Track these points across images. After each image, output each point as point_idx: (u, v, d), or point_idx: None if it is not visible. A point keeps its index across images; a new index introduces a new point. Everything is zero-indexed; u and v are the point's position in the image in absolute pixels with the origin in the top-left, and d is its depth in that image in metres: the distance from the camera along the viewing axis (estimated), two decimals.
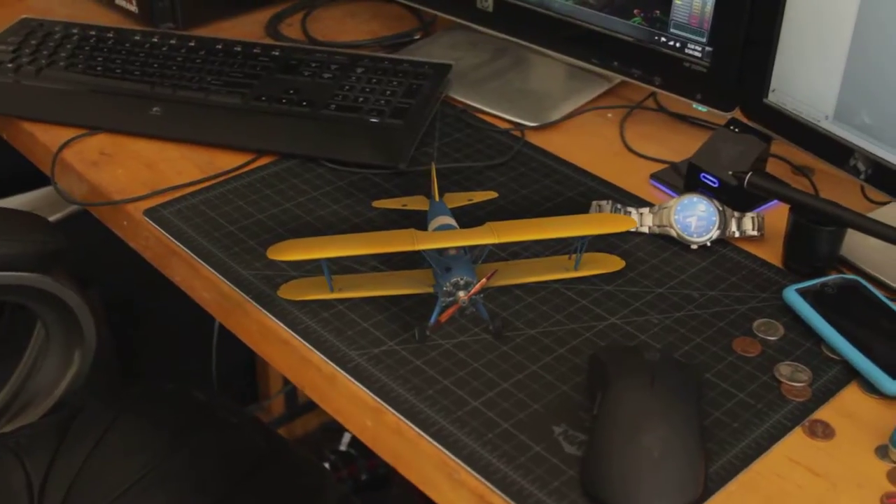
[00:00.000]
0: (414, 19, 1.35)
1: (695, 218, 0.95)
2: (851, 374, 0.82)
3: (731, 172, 0.97)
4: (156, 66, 1.17)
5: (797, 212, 0.92)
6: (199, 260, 0.92)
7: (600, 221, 0.84)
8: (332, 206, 0.99)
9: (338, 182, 1.03)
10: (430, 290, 0.84)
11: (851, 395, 0.80)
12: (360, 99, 1.12)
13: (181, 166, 1.05)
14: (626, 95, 1.20)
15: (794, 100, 0.97)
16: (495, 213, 0.98)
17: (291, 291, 0.86)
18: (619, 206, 0.97)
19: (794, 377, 0.81)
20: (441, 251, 0.82)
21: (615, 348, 0.81)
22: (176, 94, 1.13)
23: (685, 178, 1.03)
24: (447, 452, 0.74)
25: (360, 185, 1.03)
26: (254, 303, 0.87)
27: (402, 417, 0.77)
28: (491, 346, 0.83)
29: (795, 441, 0.76)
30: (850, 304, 0.87)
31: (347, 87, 1.13)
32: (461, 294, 0.79)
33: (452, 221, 0.88)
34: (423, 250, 0.81)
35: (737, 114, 1.03)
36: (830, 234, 0.91)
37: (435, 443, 0.75)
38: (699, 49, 1.02)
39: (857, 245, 0.93)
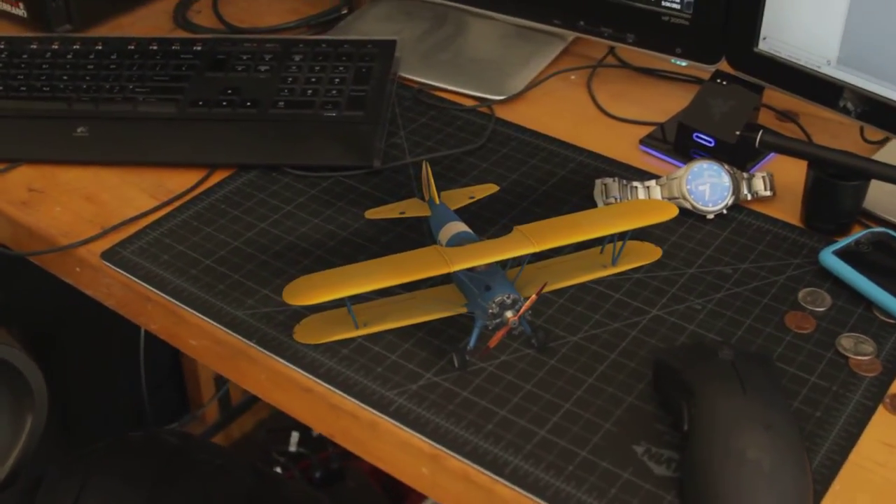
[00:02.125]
0: None
1: (708, 186, 0.89)
2: None
3: (738, 133, 0.91)
4: (65, 78, 1.03)
5: (817, 167, 0.87)
6: (180, 305, 0.81)
7: (639, 211, 0.77)
8: (312, 219, 0.89)
9: (309, 190, 0.93)
10: (464, 310, 0.76)
11: None
12: (309, 91, 1.01)
13: (127, 194, 0.93)
14: (583, 53, 1.12)
15: (789, 46, 0.91)
16: (493, 206, 0.89)
17: (309, 334, 0.76)
18: (624, 181, 0.90)
19: (858, 350, 0.77)
20: (473, 267, 0.74)
21: (680, 349, 0.75)
22: (99, 108, 1.00)
23: (676, 140, 0.97)
24: (530, 496, 0.67)
25: (333, 190, 0.93)
26: (259, 348, 0.77)
27: (467, 461, 0.69)
28: (537, 361, 0.76)
29: (882, 421, 0.72)
30: (890, 260, 0.83)
31: (290, 80, 1.02)
32: (509, 314, 0.71)
33: (467, 228, 0.80)
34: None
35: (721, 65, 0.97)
36: (854, 188, 0.86)
37: (513, 486, 0.68)
38: (678, 1, 0.95)
39: (876, 195, 0.88)
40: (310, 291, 0.71)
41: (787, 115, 1.02)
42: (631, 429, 0.71)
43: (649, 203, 0.79)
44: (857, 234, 0.85)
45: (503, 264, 0.76)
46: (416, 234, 0.87)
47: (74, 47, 1.08)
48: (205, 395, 1.70)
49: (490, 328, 0.73)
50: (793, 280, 0.83)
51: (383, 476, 1.63)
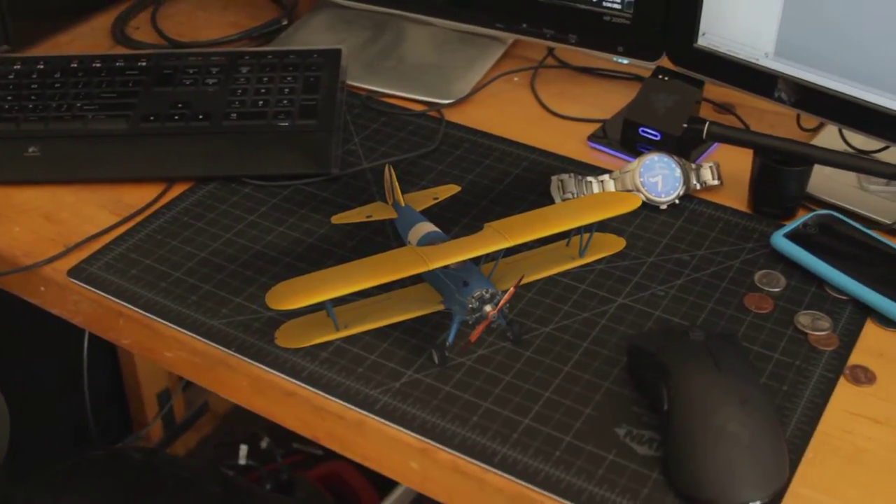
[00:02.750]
0: (270, 5, 1.24)
1: (660, 177, 0.92)
2: (864, 311, 0.82)
3: (685, 125, 0.95)
4: (10, 98, 1.03)
5: (763, 155, 0.91)
6: (154, 318, 0.81)
7: (605, 204, 0.80)
8: (277, 227, 0.90)
9: (270, 200, 0.93)
10: (440, 307, 0.78)
11: (873, 334, 0.81)
12: (260, 102, 1.02)
13: (86, 211, 0.92)
14: (522, 55, 1.15)
15: (728, 41, 0.95)
16: (454, 206, 0.91)
17: (291, 338, 0.77)
18: (579, 177, 0.93)
19: (816, 326, 0.80)
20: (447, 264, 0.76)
21: (651, 333, 0.78)
22: (48, 127, 0.99)
23: (622, 135, 1.00)
24: (521, 482, 0.69)
25: (294, 198, 0.94)
26: (239, 356, 0.78)
27: (457, 453, 0.71)
28: (513, 353, 0.78)
29: (844, 392, 0.76)
30: (836, 240, 0.87)
31: (240, 92, 1.03)
32: (488, 308, 0.73)
33: (435, 227, 0.81)
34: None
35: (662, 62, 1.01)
36: (798, 173, 0.90)
37: (504, 474, 0.70)
38: (618, 1, 0.98)
39: (817, 180, 0.93)
40: (293, 296, 0.72)
41: (725, 108, 1.06)
42: (611, 413, 0.74)
43: (612, 195, 0.82)
44: (804, 216, 0.89)
45: (476, 261, 0.78)
46: (382, 238, 0.89)
47: (16, 67, 1.07)
48: (148, 414, 1.68)
49: (470, 323, 0.74)
50: (747, 263, 0.87)
51: (333, 484, 1.65)
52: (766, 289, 0.84)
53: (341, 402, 0.75)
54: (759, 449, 0.68)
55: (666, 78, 1.00)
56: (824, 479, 0.70)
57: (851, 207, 0.92)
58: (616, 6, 0.99)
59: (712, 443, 0.68)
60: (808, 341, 0.79)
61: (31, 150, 0.97)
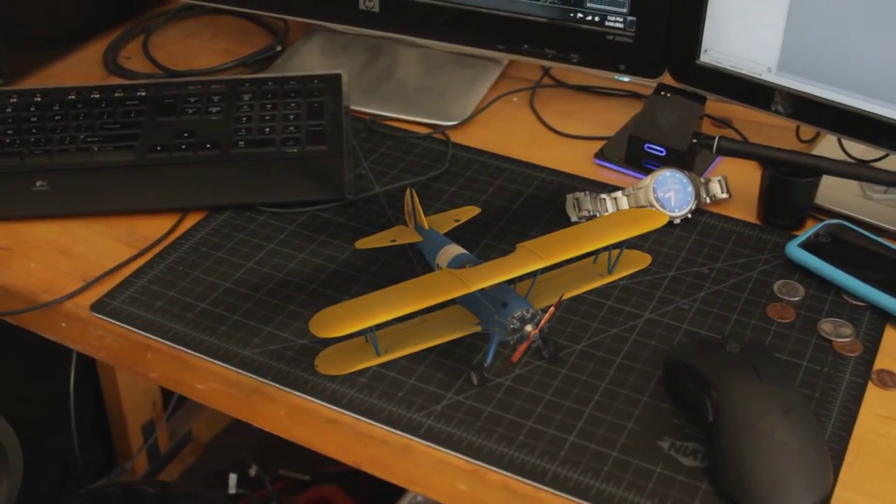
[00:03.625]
0: (260, 30, 1.24)
1: (673, 193, 0.94)
2: (883, 316, 0.84)
3: (694, 140, 0.97)
4: (10, 132, 1.01)
5: (772, 167, 0.93)
6: (185, 350, 0.81)
7: (633, 221, 0.81)
8: (298, 254, 0.90)
9: (287, 227, 0.93)
10: (477, 329, 0.78)
11: (894, 338, 0.83)
12: (267, 130, 1.02)
13: (101, 245, 0.92)
14: (518, 75, 1.17)
15: (730, 57, 0.97)
16: (472, 227, 0.92)
17: (332, 366, 0.77)
18: (594, 194, 0.94)
19: (839, 333, 0.82)
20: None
21: (686, 347, 0.79)
22: (53, 161, 0.98)
23: (628, 152, 1.02)
24: (575, 499, 0.70)
25: (311, 224, 0.94)
26: (277, 385, 0.78)
27: (507, 473, 0.72)
28: (549, 372, 0.79)
29: (874, 396, 0.78)
30: (849, 248, 0.89)
31: (245, 119, 1.03)
32: (529, 328, 0.74)
33: (463, 250, 0.82)
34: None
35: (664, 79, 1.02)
36: (808, 184, 0.92)
37: (557, 492, 0.70)
38: (620, 20, 1.00)
39: (823, 190, 0.95)
40: (337, 323, 0.72)
41: (723, 122, 1.08)
42: (652, 426, 0.75)
43: (638, 212, 0.84)
44: (815, 226, 0.91)
45: (509, 281, 0.78)
46: (404, 262, 0.89)
47: (12, 100, 1.06)
48: (133, 446, 1.66)
49: (511, 343, 0.75)
50: (764, 274, 0.88)
51: None
52: (787, 298, 0.86)
53: (385, 427, 0.75)
54: (805, 455, 0.69)
55: (668, 95, 1.02)
56: (865, 481, 0.71)
57: (857, 216, 0.94)
58: (618, 25, 1.00)
59: (761, 451, 0.69)
60: (833, 348, 0.81)
61: (38, 184, 0.96)
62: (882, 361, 0.80)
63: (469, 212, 0.91)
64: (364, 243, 0.88)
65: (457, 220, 0.89)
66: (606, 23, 1.01)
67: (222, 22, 1.26)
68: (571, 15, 1.02)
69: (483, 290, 0.76)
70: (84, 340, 0.86)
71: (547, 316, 0.74)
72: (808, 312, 0.85)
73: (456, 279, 0.75)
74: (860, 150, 0.99)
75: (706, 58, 0.99)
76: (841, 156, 1.00)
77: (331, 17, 1.12)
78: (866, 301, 0.85)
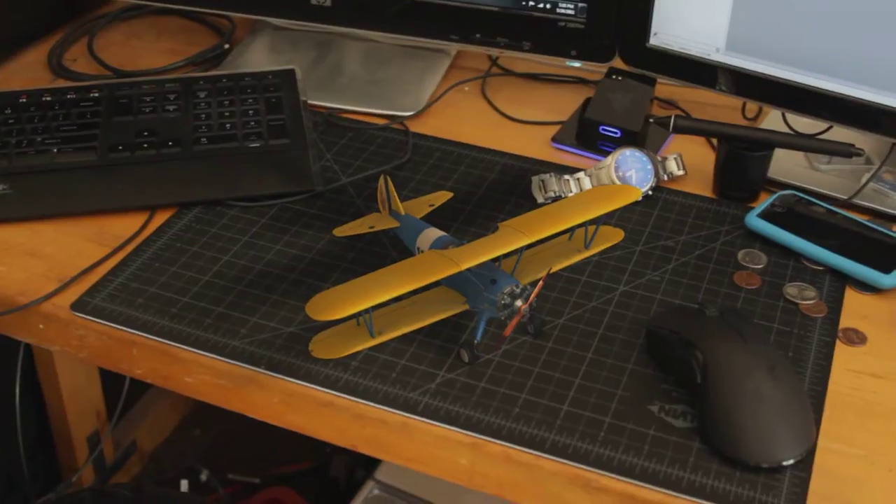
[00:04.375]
0: (205, 30, 1.24)
1: (634, 171, 0.97)
2: (841, 278, 0.88)
3: (651, 120, 1.00)
4: None
5: (728, 143, 0.96)
6: (172, 344, 0.81)
7: (607, 197, 0.83)
8: (274, 245, 0.91)
9: (258, 220, 0.94)
10: (465, 307, 0.80)
11: (854, 298, 0.87)
12: (227, 126, 1.02)
13: (71, 245, 0.91)
14: (466, 65, 1.19)
15: (679, 39, 1.01)
16: (442, 212, 0.94)
17: (327, 350, 0.78)
18: (559, 175, 0.96)
19: (804, 296, 0.86)
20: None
21: (666, 315, 0.82)
22: (13, 164, 0.97)
23: (583, 134, 1.05)
24: (575, 464, 0.72)
25: (283, 217, 0.94)
26: (270, 373, 0.79)
27: (507, 444, 0.74)
28: (536, 346, 0.81)
29: (843, 352, 0.82)
30: (804, 216, 0.94)
31: (204, 116, 1.03)
32: (519, 303, 0.76)
33: (443, 232, 0.84)
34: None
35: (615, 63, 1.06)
36: (762, 157, 0.97)
37: (557, 458, 0.73)
38: (571, 7, 1.03)
39: (774, 163, 0.99)
40: (334, 307, 0.73)
41: (669, 103, 1.12)
42: (641, 392, 0.78)
43: (612, 188, 0.86)
44: (771, 197, 0.95)
45: (494, 260, 0.80)
46: (379, 248, 0.90)
47: None
48: (78, 458, 1.63)
49: (502, 319, 0.77)
50: (727, 245, 0.92)
51: None
52: (751, 266, 0.90)
53: (383, 407, 0.76)
54: (790, 410, 0.73)
55: (620, 78, 1.05)
56: (844, 432, 0.75)
57: (807, 186, 0.98)
58: (570, 12, 1.03)
59: (750, 407, 0.72)
60: (800, 310, 0.85)
61: (0, 188, 0.95)
62: (846, 320, 0.85)
63: (442, 196, 0.93)
64: (342, 231, 0.89)
65: (431, 205, 0.91)
66: (558, 10, 1.04)
67: (165, 22, 1.26)
68: (524, 3, 1.04)
69: (471, 268, 0.78)
70: (64, 340, 0.85)
71: (536, 290, 0.76)
72: (772, 278, 0.88)
73: (446, 259, 0.76)
74: (804, 125, 1.03)
75: (655, 41, 1.02)
76: (786, 130, 1.04)
77: (284, 13, 1.12)
78: (825, 265, 0.89)
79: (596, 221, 0.83)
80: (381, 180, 0.90)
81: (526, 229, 0.79)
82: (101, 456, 1.68)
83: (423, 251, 0.84)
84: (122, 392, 1.57)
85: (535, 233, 0.79)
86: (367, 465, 1.62)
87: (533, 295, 0.76)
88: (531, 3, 1.04)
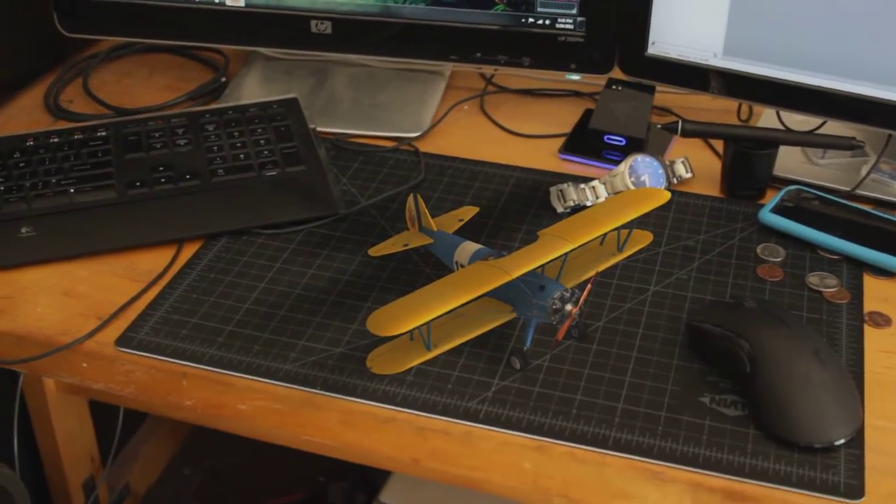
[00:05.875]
0: (196, 65, 1.25)
1: (647, 176, 1.00)
2: (857, 265, 0.92)
3: (659, 126, 1.03)
4: None
5: (736, 143, 1.00)
6: (224, 372, 0.82)
7: (639, 200, 0.86)
8: (308, 270, 0.92)
9: (287, 246, 0.95)
10: (512, 315, 0.82)
11: (873, 283, 0.91)
12: (241, 156, 1.03)
13: (104, 283, 0.91)
14: (461, 84, 1.21)
15: (677, 46, 1.04)
16: (467, 227, 0.95)
17: (385, 365, 0.79)
18: (576, 184, 0.99)
19: (826, 284, 0.90)
20: None
21: (705, 310, 0.85)
22: (32, 207, 0.97)
23: (589, 144, 1.08)
24: (640, 458, 0.74)
25: (311, 241, 0.95)
26: (327, 393, 0.80)
27: (571, 444, 0.76)
28: (581, 349, 0.84)
29: (872, 335, 0.85)
30: (813, 209, 0.97)
31: (216, 149, 1.04)
32: (569, 307, 0.78)
33: (480, 245, 0.86)
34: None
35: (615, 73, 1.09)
36: (768, 155, 1.00)
37: (622, 454, 0.75)
38: (570, 21, 1.06)
39: (778, 161, 1.03)
40: (396, 322, 0.74)
41: (665, 110, 1.16)
42: (690, 385, 0.80)
43: (642, 192, 0.89)
44: (780, 193, 0.99)
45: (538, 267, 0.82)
46: (412, 266, 0.92)
47: None
48: None
49: (554, 324, 0.79)
50: (744, 240, 0.96)
51: None
52: (771, 259, 0.93)
53: (445, 417, 0.78)
54: (839, 390, 0.76)
55: (620, 87, 1.08)
56: (888, 409, 0.79)
57: (809, 180, 1.02)
58: (569, 26, 1.06)
59: (801, 390, 0.75)
60: (825, 298, 0.89)
61: (24, 230, 0.95)
62: (870, 304, 0.88)
63: (469, 211, 0.95)
64: (377, 250, 0.91)
65: (460, 220, 0.93)
66: (557, 25, 1.07)
67: (155, 59, 1.26)
68: (523, 20, 1.07)
69: (520, 277, 0.80)
70: (109, 378, 0.85)
71: (585, 294, 0.78)
72: (792, 269, 0.92)
73: (497, 269, 0.78)
74: (796, 122, 1.07)
75: (654, 50, 1.06)
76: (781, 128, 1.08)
77: (284, 43, 1.14)
78: (841, 254, 0.93)
79: (628, 225, 0.86)
80: (410, 199, 0.92)
81: (568, 235, 0.82)
82: (97, 501, 1.67)
83: (461, 264, 0.86)
84: (114, 434, 1.56)
85: (576, 238, 0.81)
86: (367, 490, 1.62)
87: (582, 298, 0.78)
88: (531, 20, 1.07)
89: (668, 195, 0.87)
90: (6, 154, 1.03)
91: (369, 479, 1.62)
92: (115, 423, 1.52)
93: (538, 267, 0.81)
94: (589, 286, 0.79)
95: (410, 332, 0.79)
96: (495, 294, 0.82)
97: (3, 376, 1.20)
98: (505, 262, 0.79)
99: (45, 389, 1.25)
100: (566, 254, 0.82)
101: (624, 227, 0.85)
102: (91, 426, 1.55)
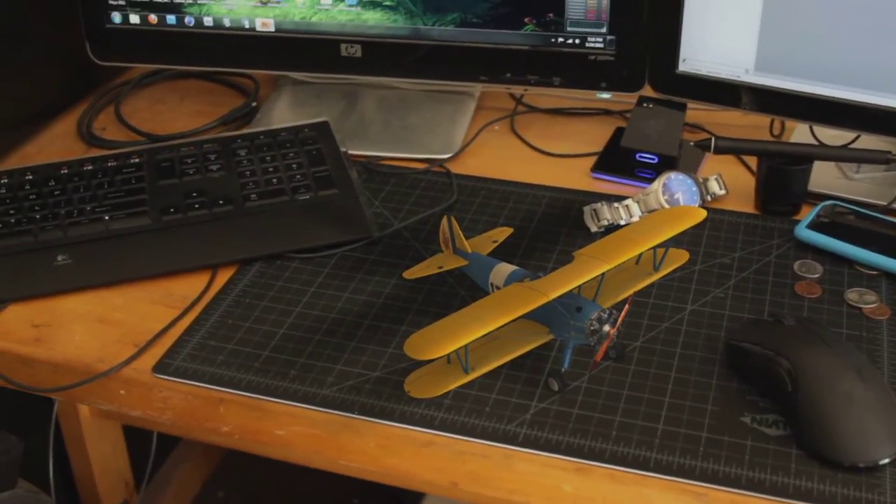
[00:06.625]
0: (226, 90, 1.26)
1: (681, 194, 0.99)
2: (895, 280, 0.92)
3: (692, 144, 1.03)
4: (13, 212, 1.00)
5: (770, 159, 0.99)
6: (262, 397, 0.82)
7: (675, 219, 0.85)
8: (342, 294, 0.92)
9: (321, 270, 0.95)
10: (549, 337, 0.82)
11: None
12: (274, 180, 1.03)
13: (140, 310, 0.91)
14: (490, 105, 1.21)
15: (708, 63, 1.04)
16: (500, 248, 0.95)
17: (423, 389, 0.79)
18: (609, 203, 0.99)
19: (865, 300, 0.89)
20: None
21: (743, 329, 0.84)
22: (68, 234, 0.97)
23: (621, 162, 1.08)
24: (682, 480, 0.74)
25: (345, 265, 0.95)
26: (365, 418, 0.79)
27: (611, 466, 0.75)
28: (619, 369, 0.83)
29: None
30: (850, 224, 0.96)
31: (249, 173, 1.04)
32: (607, 328, 0.78)
33: (515, 266, 0.86)
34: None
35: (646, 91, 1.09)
36: (803, 171, 1.00)
37: (663, 476, 0.74)
38: (600, 40, 1.06)
39: (812, 176, 1.02)
40: (434, 345, 0.74)
41: (697, 127, 1.15)
42: (730, 405, 0.79)
43: (677, 210, 0.88)
44: (815, 208, 0.98)
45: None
46: (446, 288, 0.92)
47: (3, 181, 1.04)
48: None
49: (592, 345, 0.79)
50: (781, 257, 0.95)
51: None
52: (808, 276, 0.92)
53: (483, 441, 0.77)
54: (882, 409, 0.75)
55: (651, 105, 1.08)
56: None
57: (844, 195, 1.02)
58: (599, 45, 1.06)
59: (843, 409, 0.74)
60: (864, 314, 0.88)
61: (59, 258, 0.95)
62: None
63: (503, 232, 0.95)
64: (412, 273, 0.91)
65: (494, 242, 0.93)
66: (587, 44, 1.06)
67: (186, 86, 1.27)
68: (552, 40, 1.07)
69: (556, 298, 0.79)
70: (146, 405, 0.85)
71: (622, 314, 0.78)
72: (831, 286, 0.91)
73: (534, 291, 0.78)
74: (829, 137, 1.06)
75: (685, 67, 1.05)
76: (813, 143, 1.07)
77: (314, 67, 1.14)
78: (879, 269, 0.92)
79: (664, 244, 0.85)
80: (444, 221, 0.91)
81: (604, 256, 0.81)
82: None
83: (497, 286, 0.85)
84: (148, 458, 1.56)
85: (613, 258, 0.81)
86: None
87: (620, 319, 0.78)
88: (560, 40, 1.07)
89: (703, 213, 0.86)
90: (41, 182, 1.04)
91: (403, 500, 1.61)
92: (148, 446, 1.53)
93: (575, 288, 0.81)
94: (626, 306, 0.78)
95: (448, 355, 0.79)
96: (532, 316, 0.82)
97: (38, 402, 1.21)
98: (541, 283, 0.79)
99: (79, 415, 1.26)
100: (602, 274, 0.81)
101: (660, 245, 0.85)
102: (125, 450, 1.56)
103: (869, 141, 1.03)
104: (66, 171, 1.06)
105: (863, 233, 0.95)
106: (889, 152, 0.98)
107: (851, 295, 0.90)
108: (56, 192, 1.03)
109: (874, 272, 0.92)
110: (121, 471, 1.61)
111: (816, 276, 0.92)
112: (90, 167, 1.06)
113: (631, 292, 0.84)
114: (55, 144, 1.17)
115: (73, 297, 0.93)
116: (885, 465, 0.74)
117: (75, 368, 0.86)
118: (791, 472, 0.74)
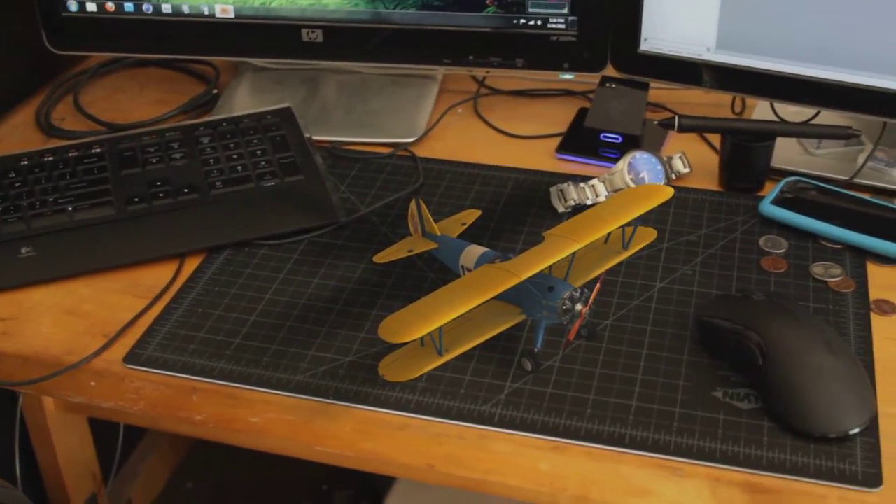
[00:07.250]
0: (187, 78, 1.24)
1: (646, 172, 1.00)
2: (860, 254, 0.93)
3: (656, 122, 1.03)
4: None
5: (733, 136, 1.00)
6: (235, 385, 0.81)
7: (643, 197, 0.86)
8: (312, 279, 0.92)
9: (290, 256, 0.95)
10: (521, 317, 0.82)
11: (876, 271, 0.91)
12: (238, 167, 1.02)
13: (108, 300, 0.90)
14: (454, 88, 1.21)
15: (669, 42, 1.05)
16: (468, 230, 0.95)
17: (397, 372, 0.79)
18: (576, 184, 0.99)
19: (830, 273, 0.90)
20: None
21: (713, 305, 0.85)
22: (31, 226, 0.96)
23: (585, 142, 1.08)
24: (657, 455, 0.75)
25: (313, 251, 0.95)
26: (340, 403, 0.79)
27: (587, 444, 0.76)
28: (592, 348, 0.84)
29: (879, 323, 0.86)
30: (813, 199, 0.98)
31: (213, 161, 1.03)
32: (579, 307, 0.78)
33: (485, 248, 0.86)
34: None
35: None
36: (766, 147, 1.01)
37: (639, 452, 0.75)
38: (562, 21, 1.06)
39: (775, 152, 1.03)
40: (408, 328, 0.74)
41: (659, 106, 1.16)
42: (702, 380, 0.80)
43: (645, 189, 0.89)
44: (779, 184, 0.99)
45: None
46: (416, 271, 0.92)
47: None
48: None
49: (564, 324, 0.79)
50: (747, 233, 0.96)
51: None
52: (774, 251, 0.93)
53: (459, 422, 0.78)
54: (852, 380, 0.76)
55: (613, 85, 1.09)
56: None
57: (806, 170, 1.03)
58: (561, 26, 1.06)
59: (814, 381, 0.75)
60: (830, 288, 0.89)
61: (23, 251, 0.94)
62: (875, 292, 0.89)
63: (471, 215, 0.95)
64: (382, 257, 0.91)
65: (463, 224, 0.93)
66: (549, 25, 1.07)
67: (145, 74, 1.26)
68: (514, 21, 1.07)
69: (528, 278, 0.80)
70: (118, 396, 0.85)
71: (594, 293, 0.78)
72: (796, 261, 0.92)
73: (505, 272, 0.78)
74: (790, 113, 1.08)
75: (646, 46, 1.06)
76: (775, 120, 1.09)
77: (276, 53, 1.13)
78: (843, 243, 0.93)
79: (633, 223, 0.86)
80: (412, 204, 0.91)
81: (574, 235, 0.81)
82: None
83: (468, 268, 0.85)
84: (115, 451, 1.55)
85: (583, 238, 0.81)
86: (372, 497, 1.62)
87: (592, 297, 0.78)
88: (522, 21, 1.07)
89: (671, 191, 0.87)
90: (1, 174, 1.02)
91: (374, 486, 1.61)
92: (115, 439, 1.52)
93: (546, 268, 0.81)
94: (598, 285, 0.79)
95: (422, 338, 0.79)
96: (504, 297, 0.82)
97: (2, 396, 1.20)
98: (513, 264, 0.79)
99: (44, 408, 1.25)
100: (573, 254, 0.81)
101: (629, 224, 0.85)
102: (91, 443, 1.55)
103: (829, 116, 1.04)
104: (26, 163, 1.04)
105: (826, 207, 0.96)
106: (850, 128, 0.99)
107: (817, 269, 0.91)
108: (17, 185, 1.01)
109: (838, 246, 0.94)
110: (88, 464, 1.60)
111: (782, 251, 0.94)
112: (51, 158, 1.05)
113: (601, 271, 0.84)
114: (13, 136, 1.15)
115: (39, 289, 0.92)
116: (855, 435, 0.75)
117: (44, 361, 0.85)
118: (763, 445, 0.75)
